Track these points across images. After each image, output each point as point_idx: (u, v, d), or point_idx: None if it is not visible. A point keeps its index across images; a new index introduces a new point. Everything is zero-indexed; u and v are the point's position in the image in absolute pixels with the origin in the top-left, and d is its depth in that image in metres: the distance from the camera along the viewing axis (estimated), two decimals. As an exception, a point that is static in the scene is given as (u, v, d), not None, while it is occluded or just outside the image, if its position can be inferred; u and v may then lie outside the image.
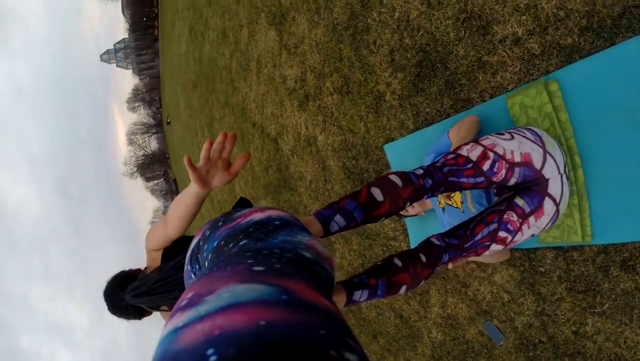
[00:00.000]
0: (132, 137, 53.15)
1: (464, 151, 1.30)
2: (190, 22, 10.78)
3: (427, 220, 2.38)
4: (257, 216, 0.70)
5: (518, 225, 1.31)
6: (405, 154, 2.40)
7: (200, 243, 0.72)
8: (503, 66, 1.77)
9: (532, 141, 1.37)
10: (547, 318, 1.86)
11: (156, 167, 52.99)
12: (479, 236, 1.30)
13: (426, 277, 1.19)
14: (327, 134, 3.34)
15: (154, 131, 51.69)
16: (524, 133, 1.40)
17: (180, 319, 0.36)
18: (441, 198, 1.85)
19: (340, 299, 1.02)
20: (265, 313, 0.34)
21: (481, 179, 1.26)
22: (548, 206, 1.37)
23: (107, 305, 1.09)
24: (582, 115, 1.53)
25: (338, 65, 2.97)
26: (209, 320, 0.34)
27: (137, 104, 52.63)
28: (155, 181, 55.13)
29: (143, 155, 53.56)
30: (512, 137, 1.37)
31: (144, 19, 46.62)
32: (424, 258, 1.20)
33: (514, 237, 1.32)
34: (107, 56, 52.08)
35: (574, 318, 1.75)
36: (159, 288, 0.99)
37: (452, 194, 1.80)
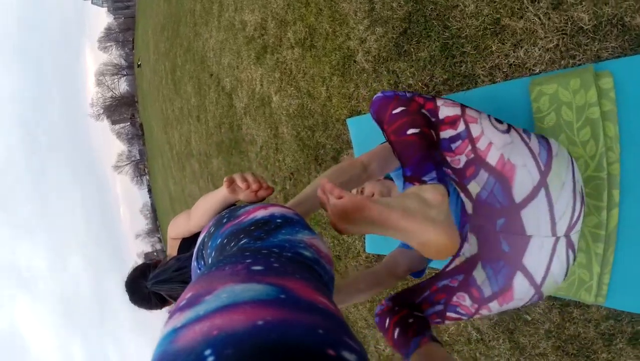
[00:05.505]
0: (100, 77, 48.08)
1: (439, 102, 0.86)
2: (164, -44, 9.49)
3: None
4: (260, 213, 0.67)
5: (473, 311, 0.89)
6: (374, 133, 1.78)
7: (206, 240, 0.70)
8: (531, 36, 1.15)
9: (532, 156, 0.80)
10: (521, 371, 1.37)
11: (123, 110, 48.36)
12: (425, 313, 0.94)
13: None
14: (282, 95, 2.66)
15: (125, 72, 46.68)
16: (528, 138, 0.83)
17: (179, 319, 0.35)
18: None
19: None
20: (263, 312, 0.32)
21: None
22: (520, 286, 0.83)
23: (128, 293, 1.04)
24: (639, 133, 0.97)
25: (303, 11, 2.26)
26: (207, 320, 0.32)
27: (109, 44, 47.22)
28: (121, 125, 50.88)
29: (111, 97, 48.94)
30: (508, 132, 0.82)
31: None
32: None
33: (472, 316, 0.93)
34: (82, -10, 46.58)
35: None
36: (177, 277, 0.96)
37: None
